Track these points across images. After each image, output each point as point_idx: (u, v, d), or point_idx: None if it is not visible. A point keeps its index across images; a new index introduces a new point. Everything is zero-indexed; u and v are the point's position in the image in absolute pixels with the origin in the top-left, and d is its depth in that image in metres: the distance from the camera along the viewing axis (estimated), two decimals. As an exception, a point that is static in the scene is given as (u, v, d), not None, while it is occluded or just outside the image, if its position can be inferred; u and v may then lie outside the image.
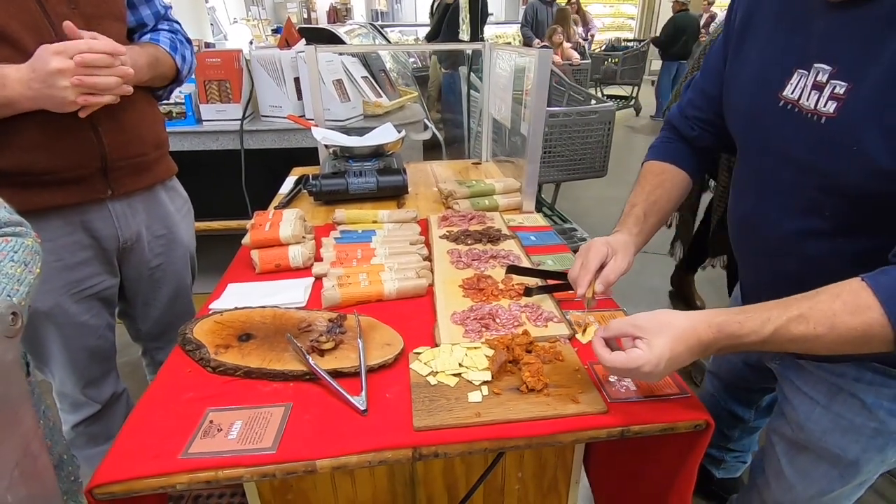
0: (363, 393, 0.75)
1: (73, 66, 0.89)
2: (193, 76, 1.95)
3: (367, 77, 2.32)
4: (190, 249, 1.37)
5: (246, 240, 1.17)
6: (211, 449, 0.67)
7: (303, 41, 2.15)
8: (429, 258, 1.18)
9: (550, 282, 1.03)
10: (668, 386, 0.78)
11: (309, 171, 1.79)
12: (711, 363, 1.34)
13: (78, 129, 1.01)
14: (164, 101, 1.36)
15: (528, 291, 1.01)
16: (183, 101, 2.04)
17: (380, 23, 8.37)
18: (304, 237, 1.20)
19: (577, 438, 0.73)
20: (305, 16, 10.72)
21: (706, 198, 2.15)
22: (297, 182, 1.63)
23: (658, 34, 7.22)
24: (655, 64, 7.69)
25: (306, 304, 1.02)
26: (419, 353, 0.85)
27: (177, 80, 1.22)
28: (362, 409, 0.73)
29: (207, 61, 1.99)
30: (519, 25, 7.06)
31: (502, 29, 7.83)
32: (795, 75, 0.74)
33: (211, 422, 0.72)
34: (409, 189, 1.59)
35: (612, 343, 0.73)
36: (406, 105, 2.46)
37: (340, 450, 0.67)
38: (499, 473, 1.01)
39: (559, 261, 1.17)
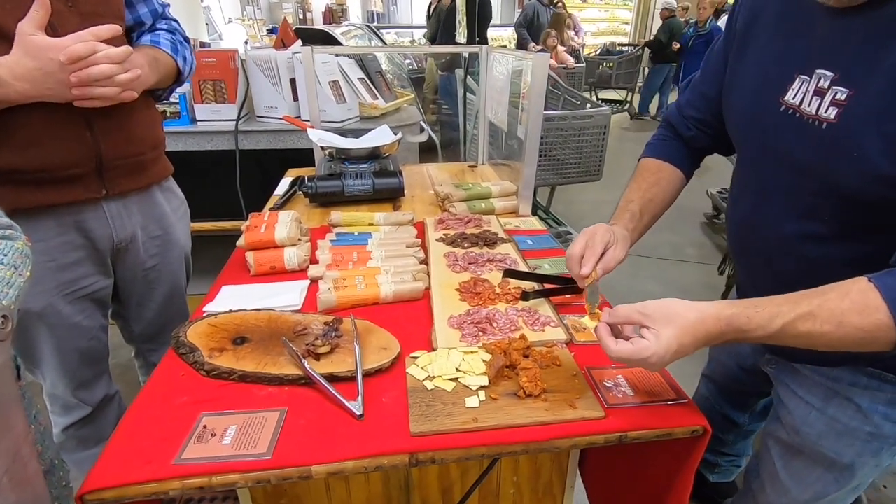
0: (359, 397, 0.75)
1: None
2: (189, 76, 1.94)
3: (363, 79, 2.32)
4: (185, 250, 1.36)
5: (241, 241, 1.16)
6: (205, 454, 0.66)
7: (299, 42, 2.15)
8: (425, 261, 1.18)
9: (547, 286, 1.03)
10: (666, 391, 0.78)
11: (304, 172, 1.78)
12: (706, 367, 1.34)
13: (73, 128, 0.99)
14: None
15: (525, 295, 1.01)
16: (177, 100, 2.02)
17: (375, 24, 8.38)
18: (299, 239, 1.19)
19: (575, 444, 0.72)
20: (301, 16, 10.72)
21: None
22: (293, 183, 1.62)
23: (652, 38, 7.29)
24: (652, 68, 7.76)
25: (302, 308, 1.02)
26: (416, 358, 0.85)
27: (178, 81, 1.21)
28: (358, 413, 0.73)
29: (203, 61, 1.98)
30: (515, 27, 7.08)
31: (499, 32, 7.86)
32: (797, 80, 0.74)
33: (205, 426, 0.71)
34: (406, 191, 1.59)
35: (616, 328, 0.73)
36: (402, 107, 2.46)
37: (336, 455, 0.67)
38: (494, 478, 1.01)
39: (555, 265, 1.17)
